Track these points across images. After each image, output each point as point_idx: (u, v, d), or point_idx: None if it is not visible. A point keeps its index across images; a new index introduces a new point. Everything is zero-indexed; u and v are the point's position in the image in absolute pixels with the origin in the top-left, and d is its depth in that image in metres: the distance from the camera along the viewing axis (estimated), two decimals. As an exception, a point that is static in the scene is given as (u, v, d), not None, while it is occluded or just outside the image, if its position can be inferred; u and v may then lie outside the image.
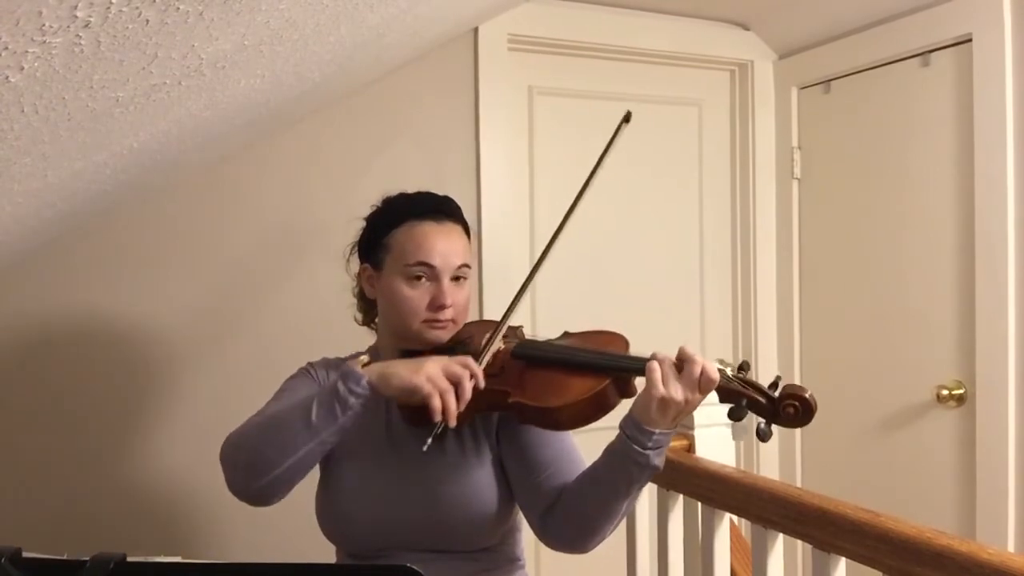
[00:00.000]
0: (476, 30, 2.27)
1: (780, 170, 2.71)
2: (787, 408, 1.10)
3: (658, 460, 1.12)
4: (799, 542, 1.30)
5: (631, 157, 2.60)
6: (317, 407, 1.12)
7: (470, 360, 1.14)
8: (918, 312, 2.31)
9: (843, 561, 1.24)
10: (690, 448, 1.69)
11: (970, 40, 2.11)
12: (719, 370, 1.11)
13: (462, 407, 1.11)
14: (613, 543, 1.76)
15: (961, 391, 2.19)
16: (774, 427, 1.11)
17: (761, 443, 1.15)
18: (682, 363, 1.10)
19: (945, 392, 2.20)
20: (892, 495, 2.36)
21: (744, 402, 1.11)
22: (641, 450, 1.10)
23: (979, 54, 2.08)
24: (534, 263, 1.33)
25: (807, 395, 1.10)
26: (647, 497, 1.72)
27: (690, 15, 2.56)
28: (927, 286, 2.28)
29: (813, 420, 1.10)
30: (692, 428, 1.69)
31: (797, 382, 2.68)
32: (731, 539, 1.59)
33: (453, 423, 1.10)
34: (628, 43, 2.49)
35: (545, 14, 2.36)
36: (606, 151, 1.31)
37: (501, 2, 2.12)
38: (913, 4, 2.23)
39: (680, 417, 1.12)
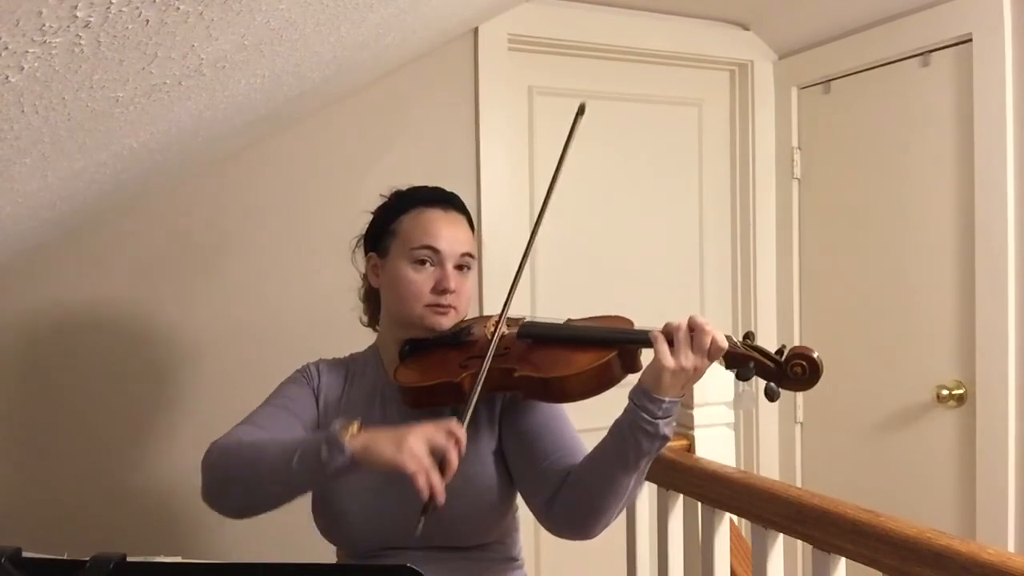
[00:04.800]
0: (476, 30, 2.27)
1: (780, 170, 2.71)
2: (794, 367, 1.10)
3: (667, 430, 1.12)
4: (799, 542, 1.30)
5: (632, 157, 2.60)
6: (297, 463, 1.10)
7: (453, 425, 1.09)
8: (918, 312, 2.31)
9: (843, 561, 1.24)
10: (690, 448, 1.69)
11: (970, 40, 2.11)
12: (726, 336, 1.12)
13: (448, 478, 1.06)
14: (613, 542, 1.77)
15: (961, 391, 2.19)
16: (782, 390, 1.11)
17: (769, 403, 1.14)
18: (691, 332, 1.12)
19: (945, 392, 2.20)
20: (892, 495, 2.36)
21: (751, 364, 1.11)
22: (651, 419, 1.11)
23: (979, 54, 2.08)
24: (525, 250, 1.33)
25: (814, 355, 1.09)
26: (647, 497, 1.72)
27: (690, 15, 2.56)
28: (927, 286, 2.28)
29: (819, 382, 1.09)
30: (692, 428, 1.69)
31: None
32: (731, 539, 1.58)
33: (441, 500, 1.04)
34: (628, 43, 2.49)
35: (545, 14, 2.36)
36: (566, 147, 1.31)
37: (501, 2, 2.12)
38: (913, 4, 2.23)
39: (688, 384, 1.13)
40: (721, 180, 2.75)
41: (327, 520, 1.30)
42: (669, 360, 1.10)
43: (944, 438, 2.24)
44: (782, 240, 2.72)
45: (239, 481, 1.17)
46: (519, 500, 1.34)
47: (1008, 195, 2.03)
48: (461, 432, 1.08)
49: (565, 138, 1.32)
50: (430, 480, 1.04)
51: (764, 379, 1.12)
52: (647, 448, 1.13)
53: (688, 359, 1.10)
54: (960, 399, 2.19)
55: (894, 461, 2.38)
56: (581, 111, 1.32)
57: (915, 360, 2.32)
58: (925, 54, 2.25)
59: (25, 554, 0.73)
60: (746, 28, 2.67)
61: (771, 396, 1.11)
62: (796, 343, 2.65)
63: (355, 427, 1.10)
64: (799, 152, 2.67)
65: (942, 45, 2.20)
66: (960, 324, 2.19)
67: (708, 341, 1.10)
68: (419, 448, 1.05)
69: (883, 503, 1.32)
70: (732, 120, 2.76)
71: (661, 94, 2.63)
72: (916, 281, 2.31)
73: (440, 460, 1.06)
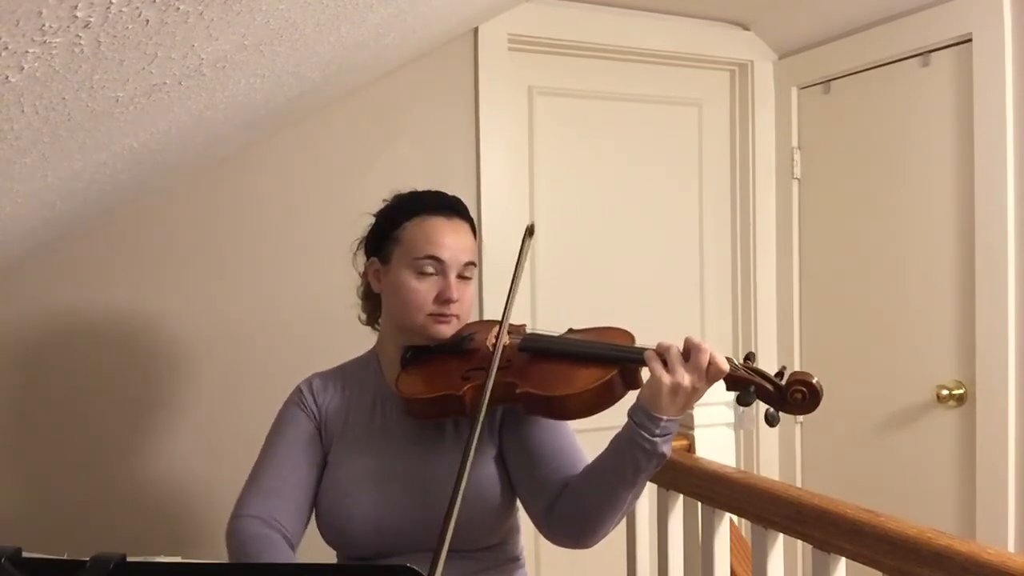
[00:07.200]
0: (476, 30, 2.27)
1: (780, 170, 2.71)
2: (795, 394, 1.10)
3: (665, 448, 1.12)
4: (799, 542, 1.30)
5: (631, 157, 2.60)
6: None
7: None
8: (918, 312, 2.31)
9: (843, 561, 1.24)
10: (690, 448, 1.69)
11: (970, 40, 2.11)
12: (727, 359, 1.11)
13: None
14: (613, 543, 1.77)
15: (961, 391, 2.19)
16: (781, 413, 1.11)
17: (769, 427, 1.13)
18: (688, 351, 1.11)
19: (945, 392, 2.20)
20: (892, 495, 2.36)
21: (752, 389, 1.11)
22: (649, 436, 1.10)
23: (979, 54, 2.08)
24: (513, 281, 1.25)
25: (814, 381, 1.10)
26: (647, 497, 1.72)
27: (690, 15, 2.56)
28: (927, 286, 2.28)
29: (820, 406, 1.09)
30: (692, 428, 1.69)
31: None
32: (731, 539, 1.58)
33: None
34: (628, 43, 2.49)
35: (545, 14, 2.36)
36: (517, 268, 1.26)
37: (501, 2, 2.12)
38: (913, 4, 2.23)
39: (688, 404, 1.12)
40: (721, 180, 2.75)
41: (329, 526, 1.30)
42: (665, 378, 1.09)
43: (944, 438, 2.24)
44: (782, 240, 2.72)
45: None
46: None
47: (1008, 195, 2.03)
48: None
49: (516, 260, 1.23)
50: None
51: (764, 403, 1.12)
52: (644, 465, 1.13)
53: (684, 378, 1.09)
54: (960, 399, 2.19)
55: (894, 461, 2.38)
56: (530, 232, 1.28)
57: (915, 360, 2.31)
58: (925, 54, 2.25)
59: (25, 554, 0.73)
60: (746, 28, 2.67)
61: (771, 422, 1.11)
62: (796, 343, 2.68)
63: None
64: (799, 152, 2.67)
65: (942, 45, 2.20)
66: (960, 324, 2.19)
67: (705, 360, 1.09)
68: None
69: (883, 503, 1.32)
70: (732, 120, 2.76)
71: (661, 94, 2.63)
72: (916, 281, 2.31)
73: None
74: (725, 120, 2.75)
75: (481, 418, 1.13)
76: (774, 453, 2.74)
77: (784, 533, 1.34)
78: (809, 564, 1.31)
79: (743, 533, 1.75)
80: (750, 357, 1.15)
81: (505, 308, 1.22)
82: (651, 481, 1.64)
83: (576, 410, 1.18)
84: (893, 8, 2.29)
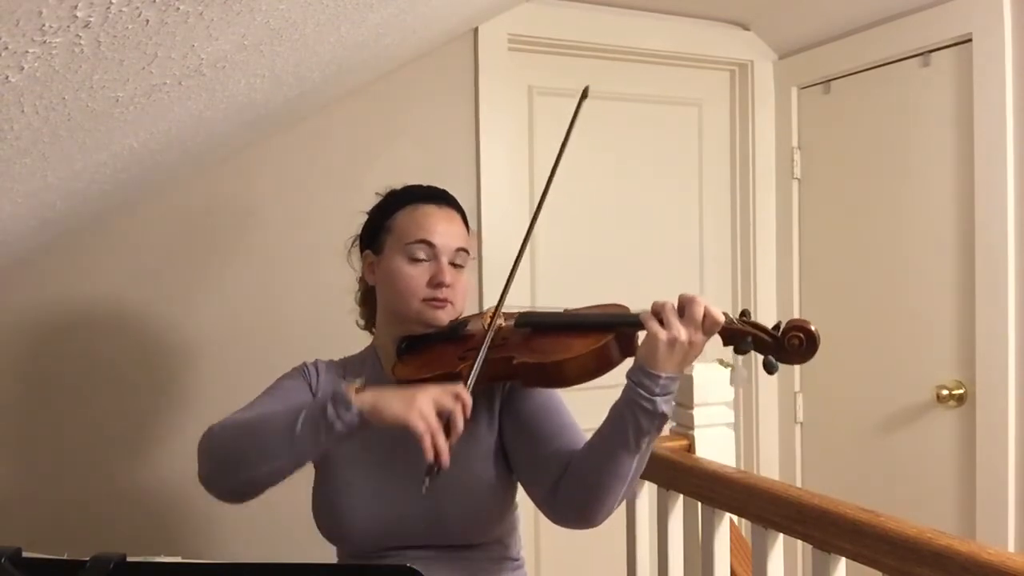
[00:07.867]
0: (476, 30, 2.27)
1: (780, 170, 2.71)
2: (792, 340, 1.10)
3: (665, 407, 1.11)
4: (799, 542, 1.30)
5: (632, 157, 2.60)
6: (302, 423, 1.09)
7: (461, 389, 1.10)
8: (918, 312, 2.31)
9: (843, 561, 1.24)
10: (690, 448, 1.69)
11: (970, 40, 2.11)
12: (723, 313, 1.12)
13: (453, 440, 1.08)
14: (613, 542, 1.77)
15: (961, 391, 2.19)
16: (780, 364, 1.11)
17: (768, 375, 1.14)
18: (683, 306, 1.12)
19: (945, 392, 2.20)
20: (892, 495, 2.36)
21: (749, 339, 1.12)
22: (648, 395, 1.10)
23: (979, 54, 2.08)
24: (525, 238, 1.32)
25: (811, 327, 1.10)
26: (647, 497, 1.72)
27: (690, 15, 2.56)
28: (927, 286, 2.28)
29: (817, 353, 1.10)
30: (692, 428, 1.69)
31: (797, 380, 2.69)
32: (731, 539, 1.58)
33: (446, 462, 1.06)
34: (628, 43, 2.49)
35: (545, 14, 2.36)
36: (571, 128, 1.30)
37: (501, 2, 2.12)
38: (913, 4, 2.23)
39: (686, 360, 1.12)
40: (721, 180, 2.75)
41: (328, 520, 1.30)
42: (662, 333, 1.10)
43: (944, 438, 2.24)
44: (782, 240, 2.72)
45: (240, 454, 1.15)
46: (519, 499, 1.34)
47: (1008, 195, 2.03)
48: (467, 395, 1.10)
49: (569, 121, 1.31)
50: (436, 442, 1.05)
51: (762, 353, 1.12)
52: (646, 427, 1.11)
53: (681, 331, 1.09)
54: (960, 399, 2.19)
55: (894, 461, 2.38)
56: (585, 95, 1.32)
57: (915, 360, 2.32)
58: (925, 54, 2.25)
59: (25, 554, 0.73)
60: (746, 28, 2.67)
61: (769, 369, 1.11)
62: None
63: (360, 383, 1.11)
64: (799, 152, 2.67)
65: (942, 45, 2.20)
66: (960, 324, 2.19)
67: (700, 312, 1.10)
68: (427, 409, 1.06)
69: (883, 503, 1.32)
70: (732, 120, 2.76)
71: (661, 94, 2.63)
72: (916, 281, 2.31)
73: (446, 422, 1.07)
74: (725, 120, 2.75)
75: (479, 363, 1.16)
76: (774, 453, 2.74)
77: (784, 533, 1.34)
78: (809, 564, 1.31)
79: (743, 533, 1.75)
80: (745, 314, 1.15)
81: (535, 213, 1.25)
82: (651, 481, 1.65)
83: (574, 375, 1.18)
84: (893, 8, 2.29)
